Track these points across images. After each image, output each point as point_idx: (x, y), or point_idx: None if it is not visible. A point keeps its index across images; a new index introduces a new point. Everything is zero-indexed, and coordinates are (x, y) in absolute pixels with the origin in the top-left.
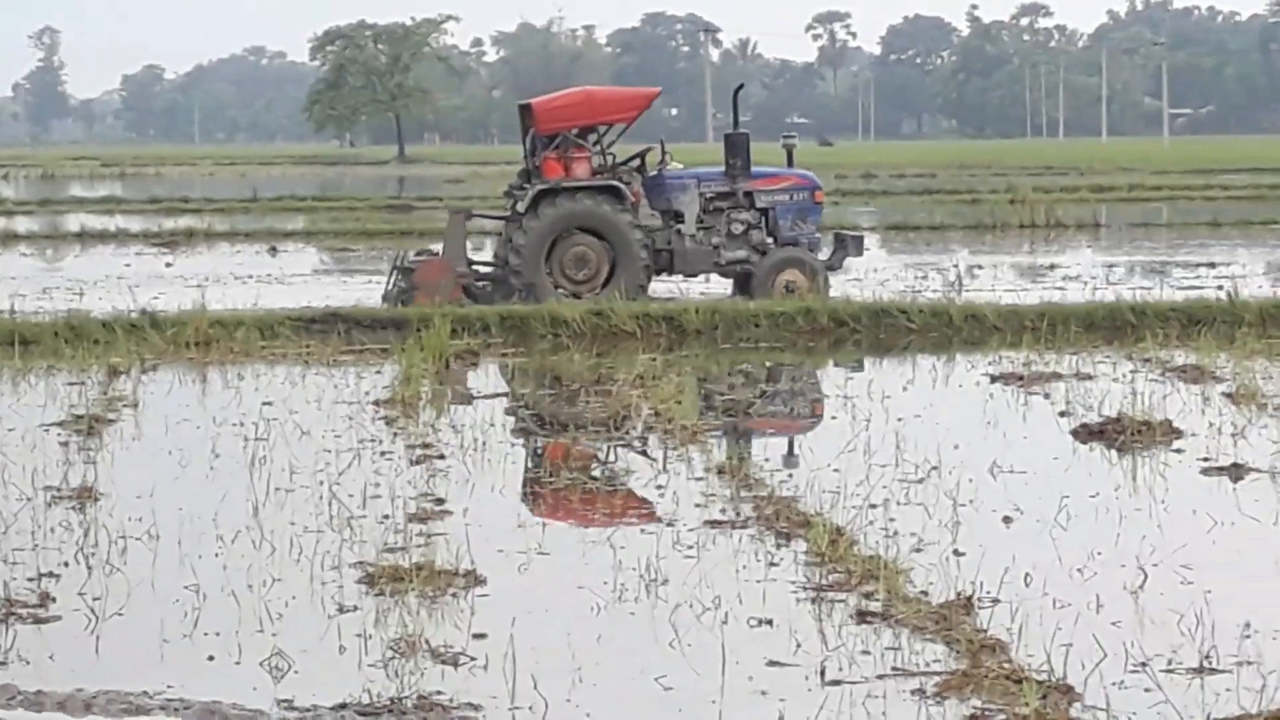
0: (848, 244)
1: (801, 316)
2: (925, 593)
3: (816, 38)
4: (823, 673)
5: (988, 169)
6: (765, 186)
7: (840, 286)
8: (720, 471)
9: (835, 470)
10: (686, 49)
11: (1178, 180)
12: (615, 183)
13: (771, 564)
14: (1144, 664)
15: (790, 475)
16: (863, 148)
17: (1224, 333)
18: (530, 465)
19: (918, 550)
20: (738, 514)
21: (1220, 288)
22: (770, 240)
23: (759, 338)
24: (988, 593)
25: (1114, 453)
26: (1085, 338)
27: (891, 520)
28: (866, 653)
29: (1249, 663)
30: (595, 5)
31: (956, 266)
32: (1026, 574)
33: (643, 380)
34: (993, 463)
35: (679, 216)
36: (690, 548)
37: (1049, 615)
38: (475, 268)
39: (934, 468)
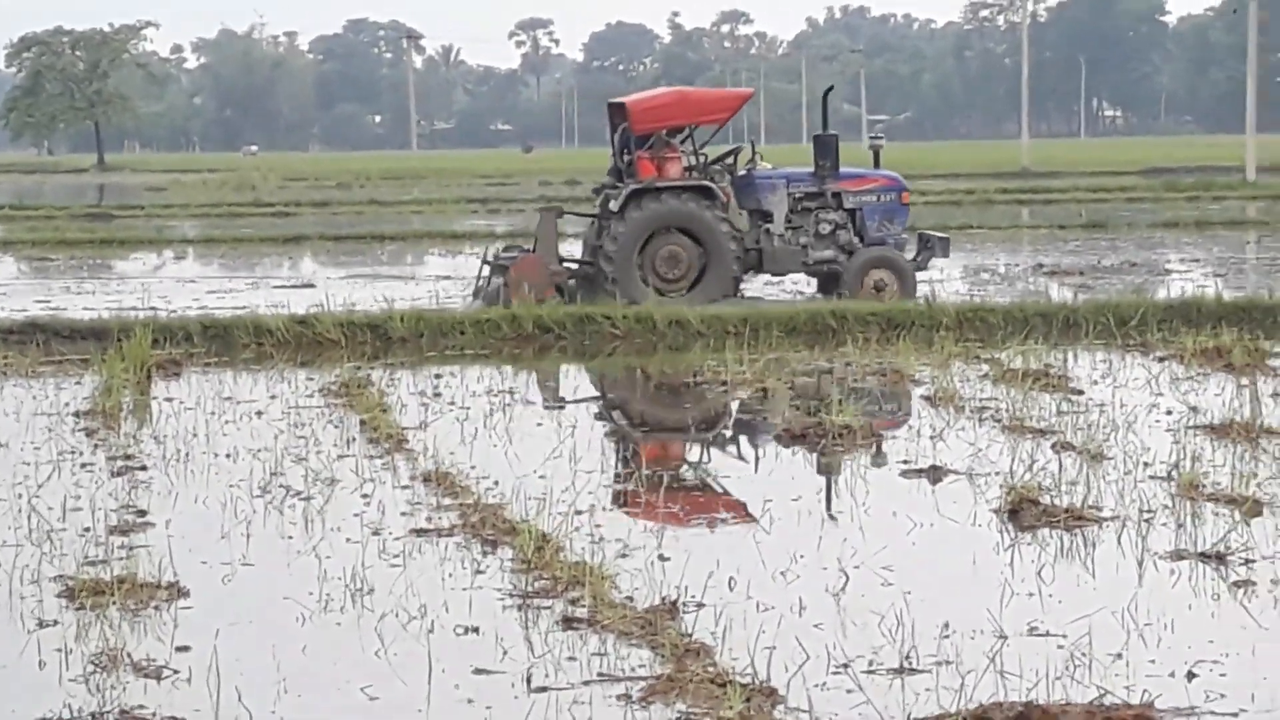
0: (934, 244)
1: (507, 323)
2: (630, 598)
3: (520, 44)
4: (529, 679)
5: None
6: (853, 187)
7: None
8: (427, 479)
9: (541, 477)
10: (390, 55)
11: None
12: (707, 183)
13: (478, 571)
14: (845, 665)
15: (496, 483)
16: (566, 154)
17: (923, 336)
18: (231, 477)
19: (623, 556)
20: (444, 522)
21: (921, 295)
22: (857, 240)
23: (465, 345)
24: (692, 597)
25: (816, 456)
26: (787, 342)
27: (597, 526)
28: (573, 659)
29: (948, 662)
30: (296, 12)
31: None
32: (730, 578)
33: (347, 389)
34: (699, 467)
35: (767, 216)
36: (396, 556)
37: (753, 618)
38: (566, 264)
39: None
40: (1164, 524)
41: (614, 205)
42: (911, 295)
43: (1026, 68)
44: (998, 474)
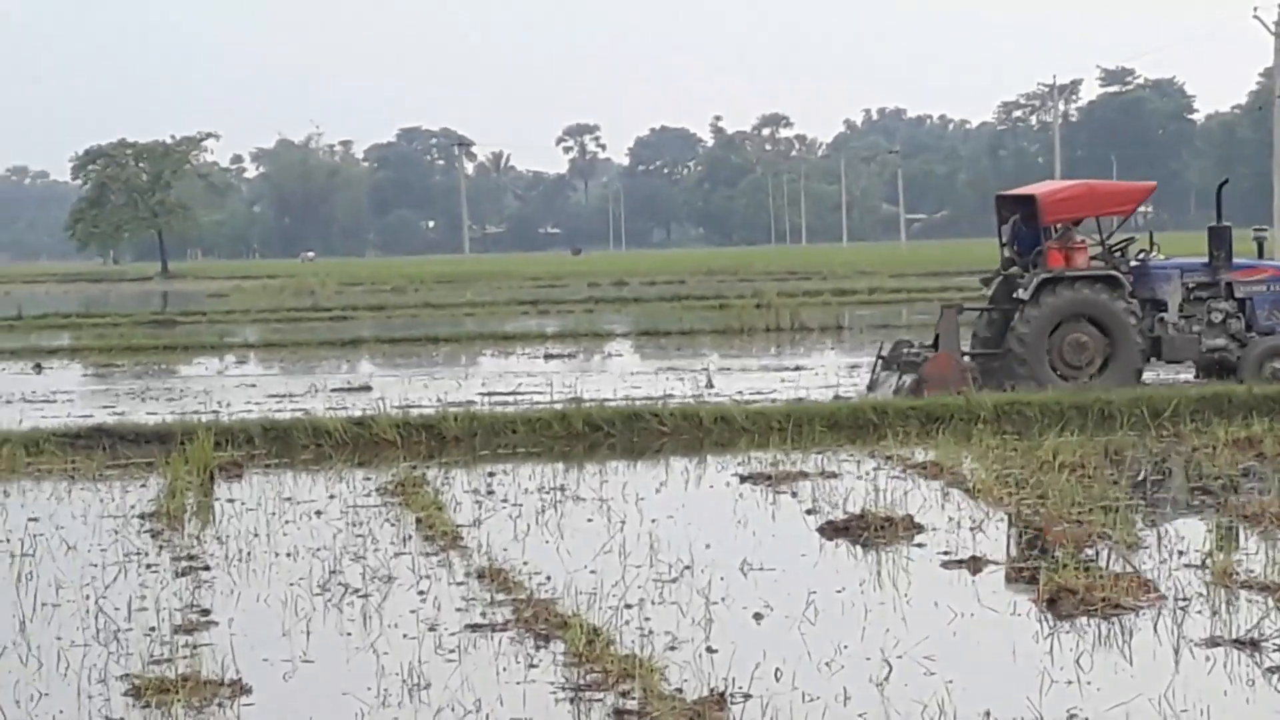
0: None
1: (557, 422)
2: (680, 690)
3: (567, 150)
4: None
5: (735, 275)
6: (1244, 278)
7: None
8: (481, 575)
9: (592, 571)
10: (441, 163)
11: (915, 283)
12: (1114, 272)
13: (531, 665)
14: None
15: (548, 578)
16: (614, 256)
17: (961, 430)
18: (291, 575)
19: (672, 648)
20: (498, 617)
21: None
22: (1248, 329)
23: (517, 443)
24: (740, 688)
25: (859, 548)
26: (830, 437)
27: (646, 619)
28: None
29: None
30: (352, 121)
31: (707, 370)
32: (777, 669)
33: (403, 488)
34: (743, 561)
35: (1161, 305)
36: (452, 651)
37: (799, 708)
38: (966, 358)
39: (687, 567)
40: (1199, 611)
41: (1024, 294)
42: None
43: (1059, 166)
44: (1036, 564)
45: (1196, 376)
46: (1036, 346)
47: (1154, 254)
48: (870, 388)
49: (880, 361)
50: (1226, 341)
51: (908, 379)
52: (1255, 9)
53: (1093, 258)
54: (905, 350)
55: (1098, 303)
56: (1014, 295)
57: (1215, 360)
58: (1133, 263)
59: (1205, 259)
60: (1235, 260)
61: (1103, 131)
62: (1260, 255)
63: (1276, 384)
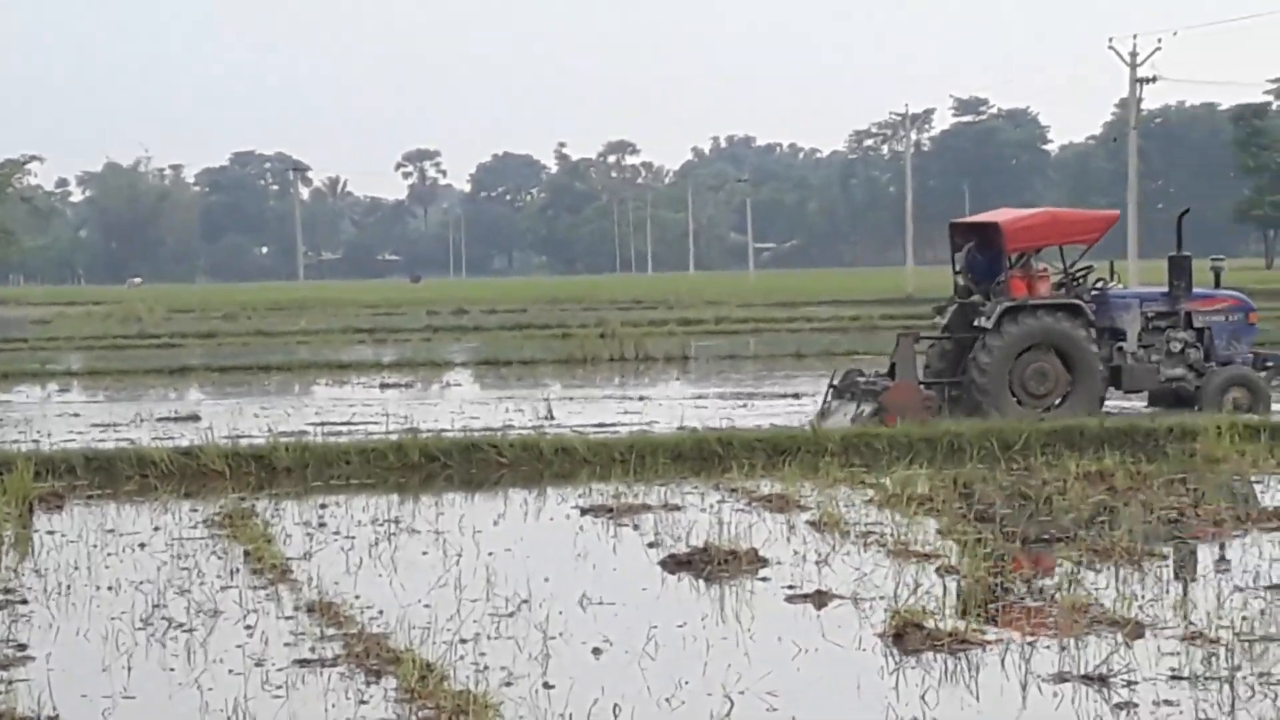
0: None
1: (393, 452)
2: None
3: (407, 175)
4: None
5: (578, 303)
6: (1203, 307)
7: (434, 421)
8: (311, 609)
9: (426, 606)
10: (276, 187)
11: (763, 313)
12: (1077, 301)
13: (362, 701)
14: None
15: (381, 612)
16: (454, 284)
17: (808, 462)
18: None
19: (508, 684)
20: (328, 652)
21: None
22: (1206, 359)
23: (350, 474)
24: None
25: (702, 582)
26: (673, 469)
27: (482, 655)
28: None
29: None
30: (182, 145)
31: (548, 400)
32: (615, 705)
33: (231, 520)
34: (583, 595)
35: (1120, 335)
36: (279, 687)
37: None
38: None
39: (524, 601)
40: (1047, 646)
41: (986, 322)
42: (1266, 413)
43: (911, 196)
44: (882, 598)
45: (1149, 405)
46: (998, 375)
47: (1113, 283)
48: (822, 416)
49: (832, 390)
50: (1185, 371)
51: (866, 408)
52: (1110, 40)
53: (1054, 286)
54: (859, 379)
55: (1060, 332)
56: (974, 324)
57: (1172, 390)
58: (1092, 291)
59: (1165, 288)
60: (1195, 290)
61: (956, 161)
62: (1218, 285)
63: (1236, 414)
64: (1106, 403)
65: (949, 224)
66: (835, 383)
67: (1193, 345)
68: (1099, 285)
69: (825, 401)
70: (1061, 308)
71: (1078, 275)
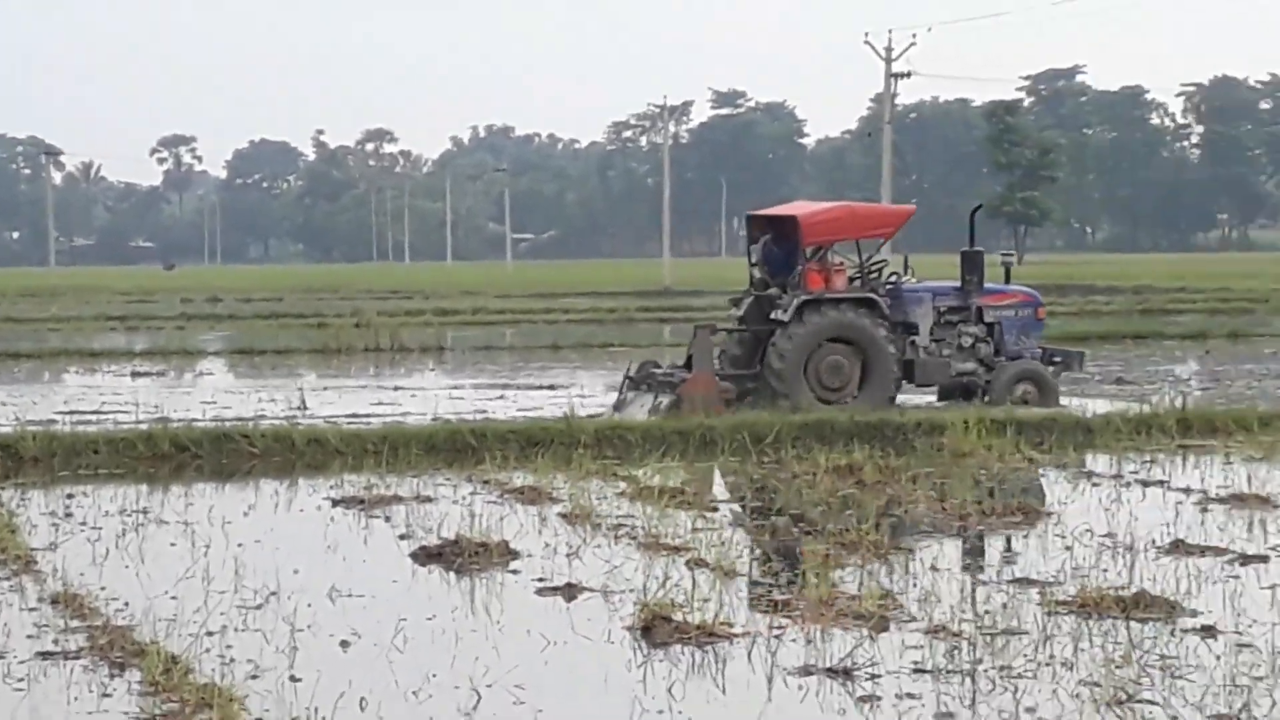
0: (1071, 360)
1: (142, 442)
2: None
3: (162, 161)
4: None
5: (335, 293)
6: (993, 302)
7: (185, 410)
8: (55, 601)
9: (173, 597)
10: (28, 171)
11: (520, 304)
12: (873, 295)
13: (105, 695)
14: None
15: (127, 604)
16: (209, 271)
17: (561, 454)
18: None
19: (254, 677)
20: (72, 644)
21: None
22: (996, 354)
23: (99, 464)
24: (323, 718)
25: (452, 575)
26: (427, 460)
27: (229, 647)
28: None
29: None
30: None
31: (301, 390)
32: (362, 698)
33: None
34: (332, 587)
35: (912, 329)
36: (21, 680)
37: None
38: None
39: (273, 593)
40: (794, 640)
41: (784, 315)
42: (1054, 406)
43: (668, 188)
44: (632, 591)
45: (940, 399)
46: (795, 368)
47: (907, 277)
48: (617, 408)
49: (628, 382)
50: (975, 366)
51: (664, 399)
52: (866, 35)
53: (850, 280)
54: (655, 370)
55: (856, 325)
56: (771, 316)
57: (963, 384)
58: (887, 286)
59: (957, 283)
60: (986, 285)
61: (714, 153)
62: (1008, 280)
63: (1025, 408)
64: (899, 397)
65: (746, 216)
66: (631, 374)
67: (983, 340)
68: (893, 279)
69: (621, 393)
70: (857, 302)
71: (873, 269)
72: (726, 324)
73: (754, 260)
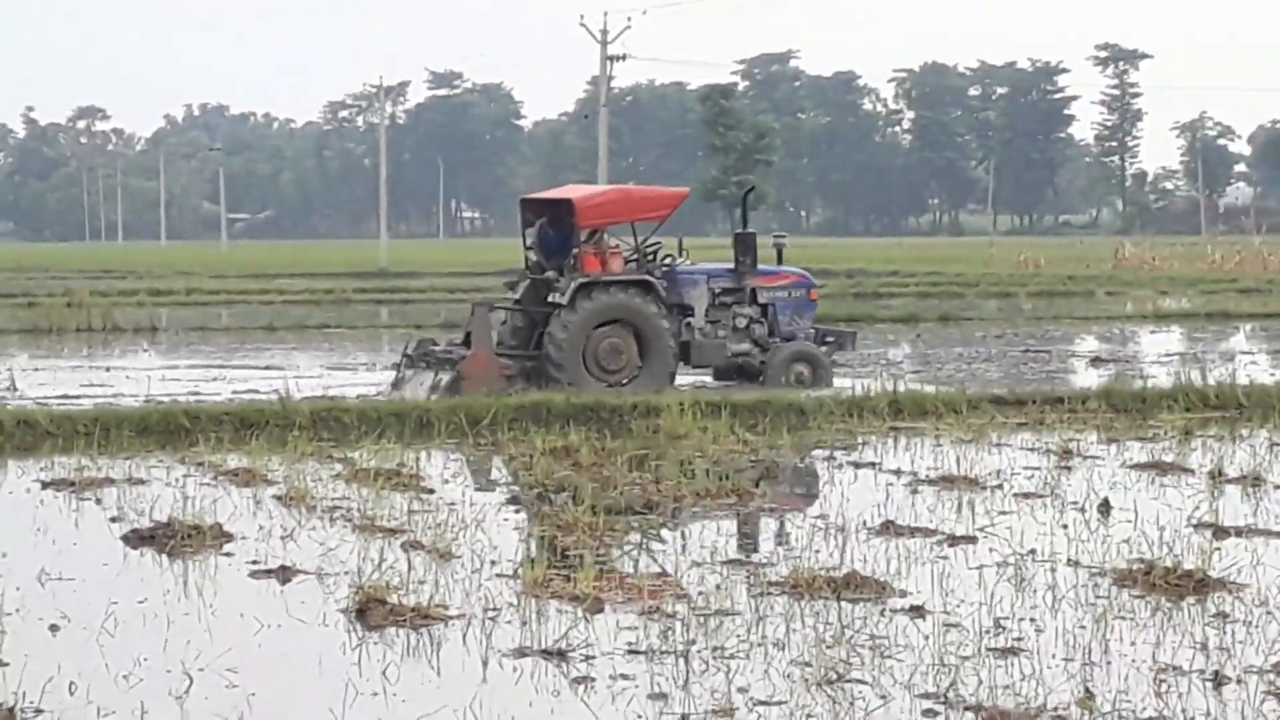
0: (844, 340)
1: None
2: None
3: None
4: None
5: (45, 272)
6: (767, 284)
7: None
8: None
9: None
10: None
11: (235, 285)
12: (649, 278)
13: None
14: None
15: None
16: None
17: (277, 436)
18: None
19: None
20: None
21: (276, 391)
22: (770, 335)
23: None
24: (31, 703)
25: (165, 558)
26: (139, 442)
27: None
28: None
29: None
30: None
31: (10, 371)
32: (72, 683)
33: None
34: (41, 570)
35: (688, 311)
36: None
37: None
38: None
39: None
40: (509, 622)
41: (560, 298)
42: (829, 386)
43: (385, 169)
44: (347, 573)
45: (716, 380)
46: (573, 350)
47: (682, 259)
48: (395, 386)
49: (406, 360)
50: (750, 347)
51: (444, 377)
52: (582, 17)
53: (626, 262)
54: (434, 348)
55: (632, 307)
56: (548, 299)
57: (739, 365)
58: (662, 268)
59: (731, 265)
60: (760, 266)
61: (431, 135)
62: (780, 261)
63: (798, 389)
64: (677, 378)
65: (520, 200)
66: (409, 351)
67: (758, 321)
68: (668, 261)
69: (399, 372)
70: (633, 284)
71: (648, 252)
72: (504, 303)
73: (529, 244)
